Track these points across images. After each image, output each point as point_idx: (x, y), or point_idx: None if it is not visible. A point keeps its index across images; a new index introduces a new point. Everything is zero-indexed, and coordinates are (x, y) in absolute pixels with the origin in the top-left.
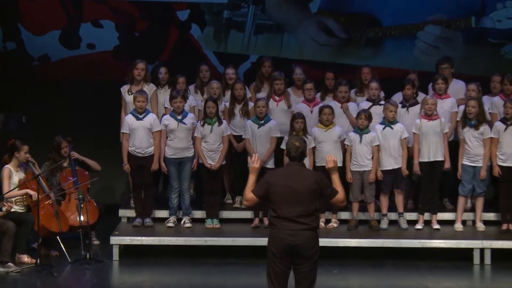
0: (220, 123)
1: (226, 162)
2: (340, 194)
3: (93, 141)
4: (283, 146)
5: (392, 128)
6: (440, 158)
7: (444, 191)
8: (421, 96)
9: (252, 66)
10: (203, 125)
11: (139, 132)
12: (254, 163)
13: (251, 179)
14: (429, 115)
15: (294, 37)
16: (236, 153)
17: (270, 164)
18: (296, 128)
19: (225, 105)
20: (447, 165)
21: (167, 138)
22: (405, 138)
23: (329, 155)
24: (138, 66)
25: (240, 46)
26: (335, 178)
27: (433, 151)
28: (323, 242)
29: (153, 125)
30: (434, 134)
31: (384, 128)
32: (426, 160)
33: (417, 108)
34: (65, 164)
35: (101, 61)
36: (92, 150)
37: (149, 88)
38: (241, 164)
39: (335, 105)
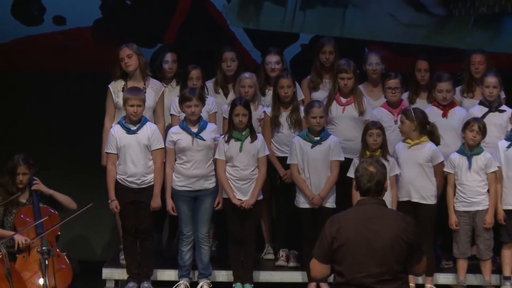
0: (254, 137)
1: (264, 197)
2: (424, 261)
3: (64, 164)
4: (350, 174)
5: None
6: None
7: None
8: None
9: (304, 50)
10: (227, 141)
11: (132, 151)
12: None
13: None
14: None
15: (362, 13)
16: (282, 184)
17: (331, 203)
18: (370, 144)
19: (264, 111)
20: None
21: (175, 160)
22: None
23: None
24: (121, 51)
25: (281, 22)
26: None
27: None
28: None
29: (152, 140)
30: None
31: (509, 147)
32: None
33: None
34: (24, 200)
35: (74, 42)
36: (61, 178)
37: (154, 88)
38: (288, 201)
39: (432, 110)
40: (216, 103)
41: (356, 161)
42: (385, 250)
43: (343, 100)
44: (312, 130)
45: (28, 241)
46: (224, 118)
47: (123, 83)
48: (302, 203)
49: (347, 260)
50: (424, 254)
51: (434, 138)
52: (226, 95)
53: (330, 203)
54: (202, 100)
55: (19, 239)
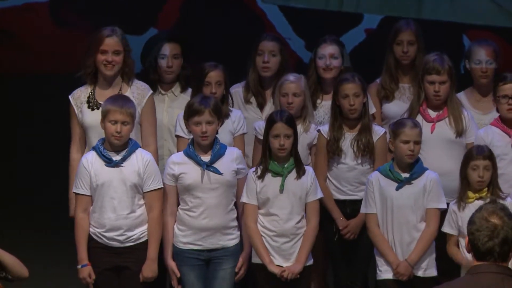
0: (302, 172)
1: (317, 261)
2: None
3: (14, 213)
4: (446, 229)
5: None
6: None
7: None
8: None
9: (369, 38)
10: (261, 177)
11: (113, 192)
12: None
13: None
14: None
15: None
16: (342, 241)
17: (427, 270)
18: (474, 182)
19: (319, 131)
20: None
21: (177, 205)
22: None
23: None
24: (107, 42)
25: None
26: None
27: None
28: None
29: (146, 176)
30: None
31: None
32: None
33: None
34: None
35: (22, 26)
36: (11, 233)
37: (136, 93)
38: (351, 267)
39: None
40: (245, 119)
41: (454, 208)
42: None
43: (433, 114)
44: (401, 162)
45: None
46: (257, 140)
47: (89, 89)
48: (384, 272)
49: None
50: None
51: None
52: (261, 106)
53: (426, 271)
54: (219, 114)
55: None
